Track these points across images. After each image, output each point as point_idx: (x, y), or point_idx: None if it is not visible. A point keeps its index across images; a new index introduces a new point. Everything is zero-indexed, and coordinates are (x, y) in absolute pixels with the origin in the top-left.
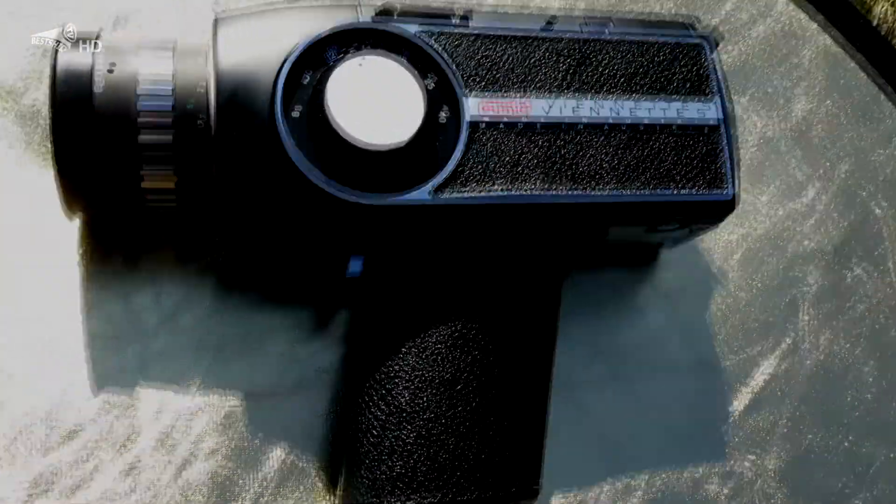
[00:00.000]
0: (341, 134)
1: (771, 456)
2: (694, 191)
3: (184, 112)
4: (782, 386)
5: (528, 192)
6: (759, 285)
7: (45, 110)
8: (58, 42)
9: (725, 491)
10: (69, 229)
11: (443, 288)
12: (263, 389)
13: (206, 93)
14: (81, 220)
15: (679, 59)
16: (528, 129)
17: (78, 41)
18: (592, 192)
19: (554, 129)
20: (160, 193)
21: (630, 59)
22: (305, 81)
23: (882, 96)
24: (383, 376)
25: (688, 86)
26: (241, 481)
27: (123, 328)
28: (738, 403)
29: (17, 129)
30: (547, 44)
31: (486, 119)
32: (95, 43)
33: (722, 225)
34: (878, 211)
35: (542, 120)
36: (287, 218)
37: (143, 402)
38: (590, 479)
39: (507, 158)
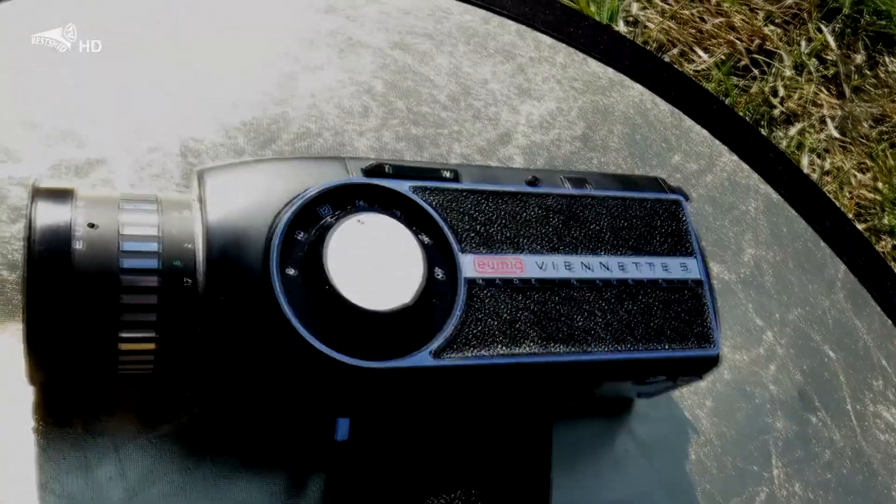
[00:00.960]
0: (342, 297)
1: None
2: (683, 347)
3: (170, 271)
4: None
5: (526, 352)
6: (732, 433)
7: None
8: (34, 194)
9: None
10: (24, 393)
11: (437, 449)
12: None
13: (194, 250)
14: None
15: (659, 215)
16: (524, 286)
17: (55, 194)
18: (588, 351)
19: (548, 286)
20: (137, 355)
21: (615, 214)
22: (300, 238)
23: (821, 242)
24: None
25: (669, 242)
26: None
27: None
28: None
29: None
30: (536, 200)
31: (483, 277)
32: (73, 197)
33: None
34: (831, 355)
35: (537, 277)
36: (279, 381)
37: None
38: None
39: (505, 317)
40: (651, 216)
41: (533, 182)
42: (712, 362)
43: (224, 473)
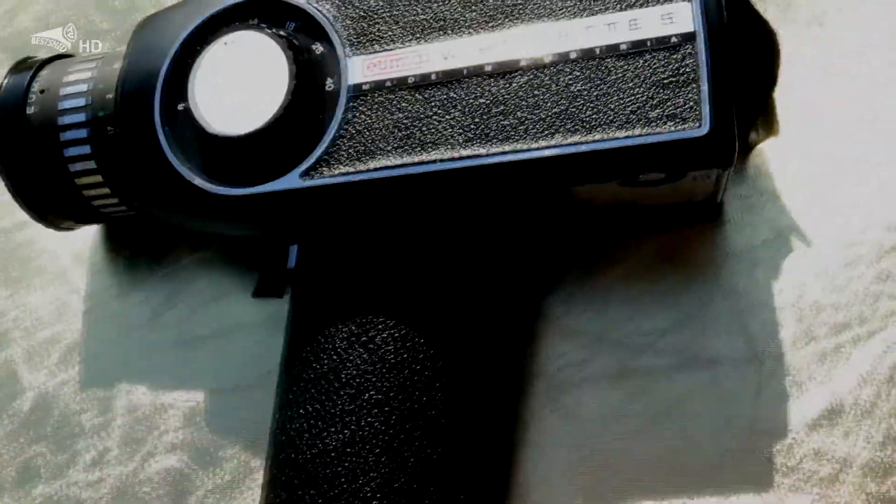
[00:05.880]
0: (200, 124)
1: (841, 496)
2: (648, 132)
3: (96, 122)
4: (872, 395)
5: (416, 161)
6: (866, 248)
7: None
8: (9, 69)
9: None
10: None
11: (382, 281)
12: (228, 385)
13: (114, 99)
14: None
15: None
16: (421, 84)
17: (24, 66)
18: (496, 153)
19: (452, 78)
20: (104, 198)
21: None
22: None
23: None
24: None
25: None
26: (197, 478)
27: (117, 326)
28: (801, 417)
29: None
30: None
31: (371, 81)
32: (41, 65)
33: None
34: None
35: (439, 70)
36: (166, 208)
37: (119, 397)
38: None
39: (392, 124)
40: None
41: None
42: (704, 145)
43: (229, 300)
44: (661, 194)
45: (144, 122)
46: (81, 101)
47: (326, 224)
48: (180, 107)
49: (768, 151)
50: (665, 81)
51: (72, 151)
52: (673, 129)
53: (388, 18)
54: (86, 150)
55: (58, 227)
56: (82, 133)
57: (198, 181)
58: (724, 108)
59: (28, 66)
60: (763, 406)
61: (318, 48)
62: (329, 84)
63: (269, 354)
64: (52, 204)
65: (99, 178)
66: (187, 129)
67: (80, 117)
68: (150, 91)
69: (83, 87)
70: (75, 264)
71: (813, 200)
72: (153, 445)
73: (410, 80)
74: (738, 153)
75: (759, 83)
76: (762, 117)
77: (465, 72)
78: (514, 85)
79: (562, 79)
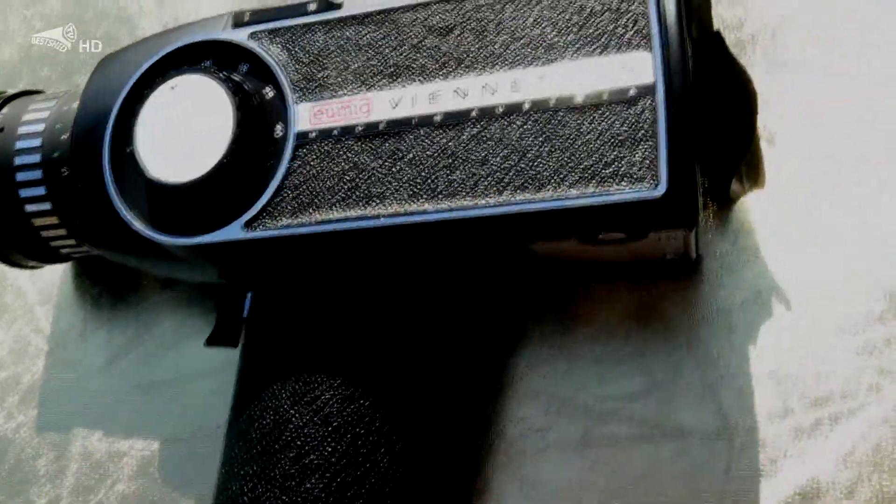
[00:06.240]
0: (142, 170)
1: None
2: (600, 191)
3: (50, 163)
4: (852, 479)
5: (356, 215)
6: (852, 316)
7: None
8: None
9: None
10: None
11: (328, 337)
12: (185, 434)
13: (69, 140)
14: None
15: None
16: (367, 134)
17: None
18: (446, 208)
19: (400, 128)
20: (61, 239)
21: (517, 16)
22: None
23: None
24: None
25: (608, 34)
26: None
27: (77, 368)
28: (773, 498)
29: None
30: (407, 15)
31: (318, 129)
32: (4, 102)
33: None
34: None
35: (387, 119)
36: (128, 259)
37: (75, 443)
38: None
39: (336, 175)
40: (581, 5)
41: None
42: (659, 208)
43: (188, 345)
44: (626, 252)
45: (94, 165)
46: (37, 142)
47: (271, 276)
48: (128, 150)
49: (752, 202)
50: (621, 137)
51: (26, 192)
52: (628, 188)
53: (337, 64)
54: (40, 191)
55: (23, 267)
56: (36, 174)
57: (142, 228)
58: (682, 168)
59: None
60: (733, 483)
61: (269, 92)
62: (278, 130)
63: (228, 403)
64: (13, 244)
65: (55, 220)
66: (134, 174)
67: (35, 158)
68: (100, 133)
69: (39, 128)
70: (41, 301)
71: (797, 260)
72: (105, 495)
73: (357, 130)
74: (719, 206)
75: (735, 134)
76: (746, 168)
77: (413, 122)
78: (463, 137)
79: (512, 132)
